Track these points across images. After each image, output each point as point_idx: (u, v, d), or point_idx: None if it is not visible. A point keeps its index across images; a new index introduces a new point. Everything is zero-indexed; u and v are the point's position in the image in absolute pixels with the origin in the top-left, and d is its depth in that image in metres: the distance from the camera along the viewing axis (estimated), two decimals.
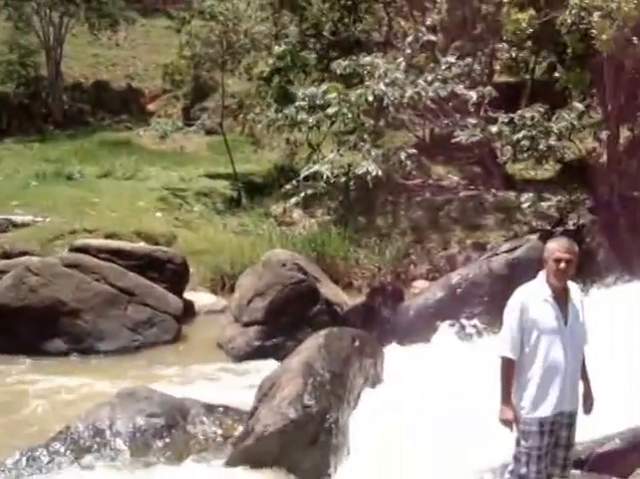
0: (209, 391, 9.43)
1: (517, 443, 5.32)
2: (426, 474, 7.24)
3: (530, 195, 13.65)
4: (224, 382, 10.02)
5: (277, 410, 7.95)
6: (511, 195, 14.27)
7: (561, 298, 5.23)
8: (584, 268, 10.44)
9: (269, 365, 9.65)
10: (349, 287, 12.94)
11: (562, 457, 5.36)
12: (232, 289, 12.60)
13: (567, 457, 5.38)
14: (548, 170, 15.86)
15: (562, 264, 5.11)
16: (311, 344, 8.73)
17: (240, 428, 8.32)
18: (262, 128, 17.10)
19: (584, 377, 5.40)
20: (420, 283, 12.43)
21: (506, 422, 5.29)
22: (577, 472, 6.97)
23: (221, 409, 8.71)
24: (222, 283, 13.49)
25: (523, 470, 5.27)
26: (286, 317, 10.82)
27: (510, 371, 5.27)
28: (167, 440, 8.17)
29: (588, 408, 5.39)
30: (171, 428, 8.28)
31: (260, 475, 7.77)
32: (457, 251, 13.05)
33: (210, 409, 8.68)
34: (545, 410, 5.19)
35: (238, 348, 10.95)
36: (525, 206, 13.43)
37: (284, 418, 7.85)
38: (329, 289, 11.80)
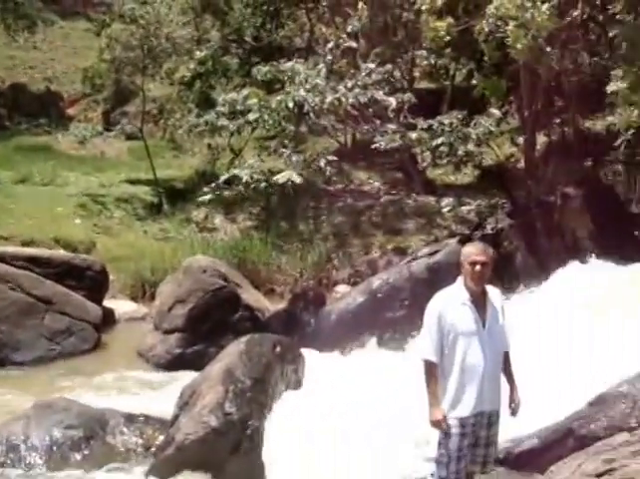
0: (130, 401, 9.27)
1: (439, 445, 5.40)
2: None
3: (450, 199, 13.87)
4: (145, 391, 9.86)
5: (198, 419, 7.88)
6: (432, 199, 14.49)
7: (479, 302, 5.33)
8: (503, 272, 10.75)
9: (190, 373, 9.54)
10: (271, 293, 12.91)
11: (482, 455, 5.46)
12: (153, 297, 12.46)
13: (487, 454, 5.48)
14: (468, 175, 16.15)
15: (478, 267, 5.21)
16: (232, 351, 8.68)
17: (161, 438, 8.20)
18: (183, 133, 16.95)
19: (510, 379, 5.50)
20: (341, 288, 12.49)
21: (437, 423, 5.34)
22: (496, 470, 7.16)
23: (142, 419, 8.58)
24: (143, 290, 13.30)
25: (443, 472, 5.36)
26: (207, 324, 10.73)
27: (433, 373, 5.34)
28: (86, 452, 8.01)
29: (514, 410, 5.48)
30: (90, 440, 8.12)
31: None
32: (378, 256, 13.16)
33: (131, 419, 8.53)
34: (464, 411, 5.28)
35: (159, 356, 10.80)
36: (445, 210, 13.64)
37: (205, 426, 7.78)
38: (251, 295, 11.74)
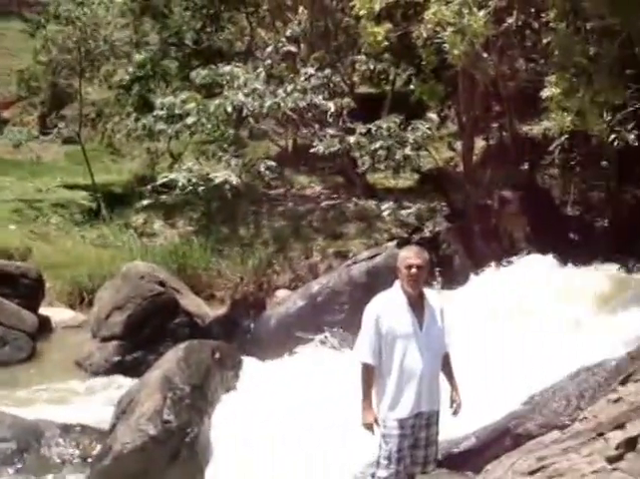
0: (66, 411, 9.10)
1: (379, 447, 5.45)
2: None
3: (391, 203, 13.94)
4: (82, 400, 9.68)
5: (136, 427, 7.78)
6: (372, 203, 14.52)
7: (417, 304, 5.39)
8: (441, 273, 10.88)
9: (129, 381, 9.42)
10: (211, 299, 12.80)
11: (422, 456, 5.52)
12: (91, 304, 12.24)
13: (427, 455, 5.54)
14: (408, 179, 16.26)
15: (414, 270, 5.28)
16: (170, 358, 8.60)
17: (99, 448, 8.07)
18: (122, 137, 16.71)
19: (450, 380, 5.57)
20: (282, 293, 12.43)
21: (368, 426, 5.42)
22: (435, 471, 7.23)
23: (78, 429, 8.44)
24: (81, 298, 13.07)
25: (384, 473, 5.41)
26: (146, 331, 10.62)
27: (369, 376, 5.40)
28: (19, 465, 7.84)
29: (455, 410, 5.55)
30: (24, 452, 7.97)
31: None
32: (319, 260, 13.16)
33: (67, 429, 8.39)
34: (403, 412, 5.33)
35: (97, 364, 10.63)
36: (386, 214, 13.70)
37: (143, 435, 7.69)
38: (190, 301, 11.65)
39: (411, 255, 5.37)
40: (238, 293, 12.33)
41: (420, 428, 5.40)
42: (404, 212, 13.74)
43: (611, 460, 4.39)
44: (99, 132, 18.58)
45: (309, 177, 17.01)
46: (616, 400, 4.92)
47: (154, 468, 7.67)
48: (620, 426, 4.58)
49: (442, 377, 5.59)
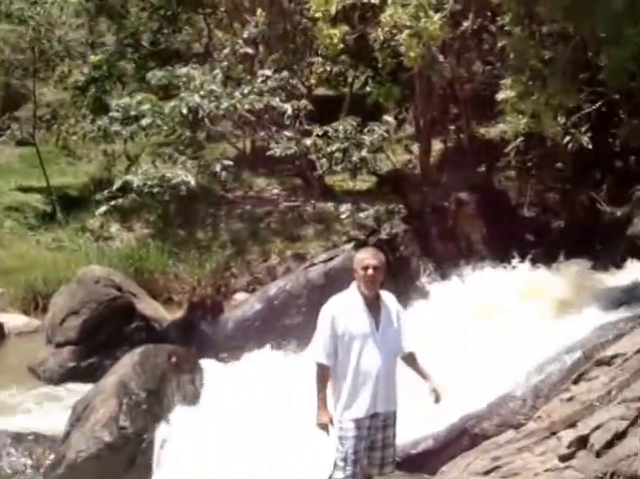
0: (19, 419, 8.99)
1: (336, 449, 5.44)
2: None
3: (349, 205, 13.90)
4: (35, 408, 9.53)
5: (91, 434, 7.71)
6: (330, 206, 14.50)
7: (373, 306, 5.41)
8: (398, 275, 10.89)
9: (85, 387, 9.27)
10: (169, 302, 12.67)
11: (380, 457, 5.52)
12: (46, 309, 12.04)
13: (384, 457, 5.54)
14: (367, 181, 16.26)
15: (370, 271, 5.30)
16: (126, 363, 8.53)
17: (52, 457, 7.95)
18: (77, 139, 16.47)
19: (422, 374, 5.57)
20: (240, 296, 12.35)
21: (323, 426, 5.41)
22: (394, 473, 7.24)
23: (31, 438, 8.32)
24: (35, 303, 12.85)
25: (340, 475, 5.40)
26: (102, 336, 10.50)
27: (324, 376, 5.40)
28: None
29: (437, 397, 5.53)
30: None
31: None
32: (277, 263, 13.09)
33: (19, 438, 8.26)
34: (359, 412, 5.32)
35: (51, 371, 10.47)
36: (344, 216, 13.67)
37: (98, 442, 7.63)
38: (147, 305, 11.53)
39: (367, 257, 5.40)
40: (196, 297, 12.21)
41: (376, 430, 5.41)
42: (362, 214, 13.73)
43: (563, 458, 4.43)
44: (54, 134, 18.27)
45: (267, 179, 16.92)
46: (569, 399, 4.97)
47: (109, 476, 7.62)
48: (572, 425, 4.63)
49: (401, 377, 5.59)
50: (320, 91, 17.76)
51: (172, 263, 13.31)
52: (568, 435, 4.49)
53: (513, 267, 10.60)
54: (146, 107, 12.49)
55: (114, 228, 15.13)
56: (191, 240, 14.08)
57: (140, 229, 15.11)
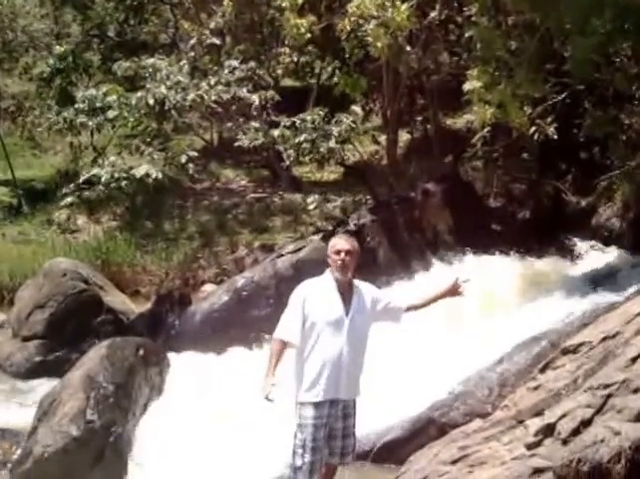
0: None
1: (295, 436, 5.44)
2: None
3: (316, 196, 13.93)
4: (2, 403, 9.44)
5: (58, 428, 7.63)
6: (298, 197, 14.52)
7: (345, 292, 5.43)
8: (366, 266, 10.89)
9: (52, 381, 9.18)
10: (137, 295, 12.59)
11: (340, 446, 5.52)
12: (12, 303, 11.87)
13: (345, 446, 5.54)
14: (334, 172, 16.28)
15: (342, 255, 5.35)
16: (93, 356, 8.46)
17: (19, 452, 7.85)
18: (43, 131, 16.27)
19: (437, 293, 5.75)
20: (208, 287, 12.31)
21: (264, 389, 5.23)
22: (358, 463, 7.24)
23: None
24: (1, 296, 12.69)
25: (299, 462, 5.38)
26: (69, 329, 10.39)
27: (278, 348, 5.35)
28: None
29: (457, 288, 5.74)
30: None
31: None
32: (245, 254, 13.05)
33: None
34: (319, 395, 5.32)
35: (18, 365, 10.36)
36: (311, 207, 13.70)
37: (65, 436, 7.55)
38: (115, 298, 11.45)
39: (340, 242, 5.47)
40: (163, 289, 12.15)
41: (336, 418, 5.41)
42: (329, 205, 13.79)
43: (530, 446, 4.48)
44: (19, 125, 18.03)
45: (235, 170, 16.87)
46: (535, 388, 5.02)
47: (77, 470, 7.53)
48: (539, 413, 4.68)
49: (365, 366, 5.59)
50: (288, 82, 17.74)
51: (140, 256, 13.25)
52: (535, 423, 4.55)
53: (479, 257, 10.65)
54: (112, 98, 12.36)
55: (80, 220, 14.99)
56: (159, 233, 14.02)
57: (107, 221, 15.00)
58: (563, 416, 4.34)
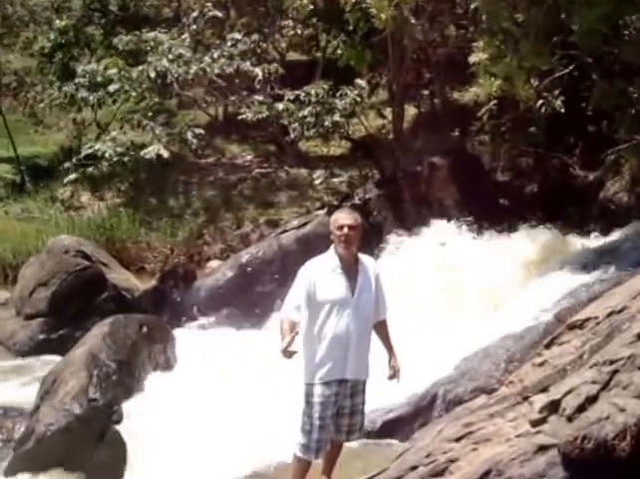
0: None
1: (302, 414, 5.36)
2: (219, 460, 7.15)
3: (322, 171, 13.81)
4: (6, 381, 9.37)
5: (60, 407, 7.57)
6: (304, 172, 14.38)
7: (351, 269, 5.29)
8: (371, 241, 10.81)
9: (55, 359, 9.15)
10: (141, 272, 12.52)
11: (347, 424, 5.44)
12: (15, 281, 11.81)
13: (352, 424, 5.45)
14: (341, 147, 16.13)
15: (345, 230, 5.20)
16: (95, 334, 8.42)
17: (23, 430, 7.81)
18: (45, 107, 16.12)
19: (387, 346, 5.49)
20: (214, 264, 12.22)
21: (285, 349, 5.07)
22: (363, 440, 7.17)
23: (0, 411, 8.14)
24: (4, 275, 12.66)
25: (306, 440, 5.31)
26: (72, 307, 10.32)
27: (288, 327, 5.16)
28: None
29: (394, 375, 5.46)
30: None
31: None
32: (250, 230, 12.98)
33: None
34: (327, 375, 5.23)
35: (21, 343, 10.31)
36: (317, 182, 13.59)
37: (68, 415, 7.48)
38: (119, 275, 11.38)
39: (342, 216, 5.31)
40: (168, 265, 12.07)
41: (344, 396, 5.33)
42: (335, 179, 13.65)
43: (535, 423, 4.39)
44: (21, 102, 17.88)
45: (240, 146, 16.71)
46: (541, 364, 4.92)
47: (79, 449, 7.47)
48: (544, 390, 4.58)
49: (373, 346, 5.50)
50: (294, 56, 17.53)
51: (144, 232, 13.16)
52: (540, 400, 4.45)
53: (486, 231, 10.55)
54: (112, 71, 12.19)
55: (84, 197, 14.89)
56: (163, 209, 13.91)
57: (111, 198, 14.86)
58: (568, 393, 4.24)
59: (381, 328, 5.48)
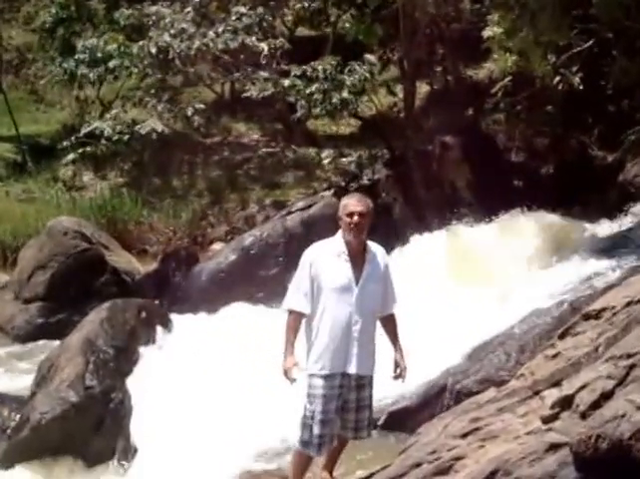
0: None
1: (304, 407, 5.02)
2: (211, 451, 6.92)
3: (331, 151, 13.44)
4: (2, 367, 9.15)
5: (56, 395, 7.39)
6: (312, 151, 13.99)
7: (357, 258, 4.96)
8: (380, 224, 10.44)
9: (54, 344, 8.90)
10: (143, 254, 12.18)
11: (353, 420, 5.09)
12: (15, 263, 11.53)
13: (359, 420, 5.10)
14: (350, 125, 15.73)
15: (356, 218, 4.86)
16: (93, 319, 8.21)
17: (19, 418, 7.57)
18: (47, 84, 15.75)
19: (394, 342, 5.14)
20: (217, 246, 11.89)
21: (288, 371, 4.91)
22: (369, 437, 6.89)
23: None
24: (4, 257, 12.33)
25: (306, 435, 4.98)
26: (71, 291, 10.07)
27: (295, 324, 4.97)
28: None
29: (400, 375, 5.12)
30: None
31: (42, 468, 7.18)
32: (256, 211, 12.63)
33: None
34: (328, 368, 4.91)
35: (19, 328, 10.08)
36: (326, 162, 13.22)
37: (64, 403, 7.31)
38: (120, 257, 11.09)
39: (353, 202, 4.95)
40: (171, 248, 11.75)
41: (349, 389, 4.98)
42: (344, 159, 13.25)
43: (546, 420, 4.07)
44: (22, 79, 17.53)
45: (248, 124, 16.33)
46: (554, 356, 4.58)
47: (76, 438, 7.32)
48: (557, 384, 4.26)
49: (380, 341, 5.14)
50: (304, 32, 17.09)
51: (147, 213, 12.83)
52: (552, 395, 4.12)
53: (498, 215, 10.16)
54: (111, 47, 11.80)
55: (86, 177, 14.55)
56: (167, 189, 13.58)
57: (114, 177, 14.53)
58: (582, 388, 3.91)
59: (388, 323, 5.13)
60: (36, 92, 17.14)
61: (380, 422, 7.13)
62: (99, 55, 12.25)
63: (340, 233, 4.99)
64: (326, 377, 4.92)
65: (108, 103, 15.44)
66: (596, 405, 3.89)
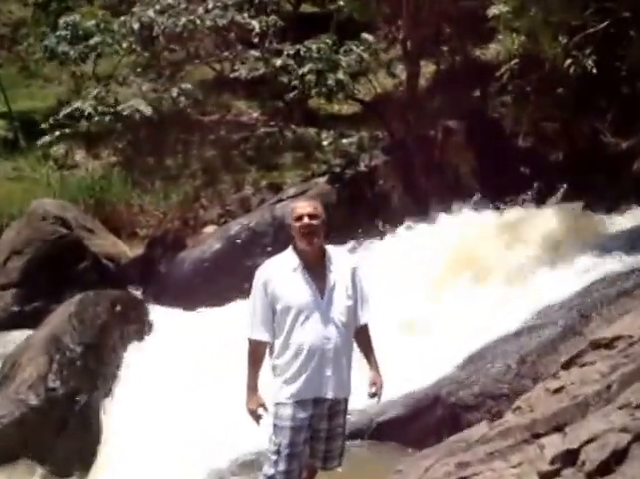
0: None
1: (269, 440, 4.50)
2: (182, 454, 6.59)
3: (332, 132, 12.82)
4: None
5: (15, 397, 6.95)
6: (312, 131, 13.36)
7: (316, 267, 4.43)
8: (378, 211, 9.86)
9: (29, 334, 8.38)
10: (133, 237, 11.61)
11: (323, 450, 4.59)
12: None
13: (329, 450, 4.60)
14: (352, 104, 15.09)
15: (306, 219, 4.37)
16: (60, 314, 7.69)
17: None
18: (38, 60, 15.17)
19: (368, 357, 4.64)
20: (210, 229, 11.32)
21: (253, 413, 4.50)
22: (356, 442, 6.45)
23: None
24: None
25: (271, 471, 4.46)
26: (47, 278, 9.50)
27: (257, 355, 4.49)
28: None
29: (375, 393, 4.61)
30: None
31: (1, 475, 6.71)
32: (251, 193, 12.04)
33: None
34: (298, 394, 4.41)
35: None
36: (325, 143, 12.62)
37: (22, 406, 6.89)
38: (105, 241, 10.60)
39: (300, 204, 4.50)
40: (160, 231, 11.19)
41: (320, 418, 4.45)
42: (345, 140, 12.62)
43: (545, 477, 3.43)
44: (15, 54, 16.94)
45: (249, 102, 15.70)
46: (556, 390, 3.94)
47: (37, 443, 6.88)
48: (559, 428, 3.60)
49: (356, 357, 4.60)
50: (308, 9, 16.41)
51: (137, 194, 12.25)
52: (553, 444, 3.46)
53: (503, 207, 9.53)
54: (89, 23, 11.17)
55: (78, 155, 13.96)
56: (160, 169, 12.98)
57: (107, 156, 13.95)
58: (590, 441, 3.26)
59: (361, 335, 4.58)
60: (27, 67, 16.53)
61: (369, 432, 6.62)
62: (80, 32, 11.62)
63: (292, 246, 4.48)
64: (295, 405, 4.39)
65: (105, 78, 14.84)
66: (606, 466, 3.23)
